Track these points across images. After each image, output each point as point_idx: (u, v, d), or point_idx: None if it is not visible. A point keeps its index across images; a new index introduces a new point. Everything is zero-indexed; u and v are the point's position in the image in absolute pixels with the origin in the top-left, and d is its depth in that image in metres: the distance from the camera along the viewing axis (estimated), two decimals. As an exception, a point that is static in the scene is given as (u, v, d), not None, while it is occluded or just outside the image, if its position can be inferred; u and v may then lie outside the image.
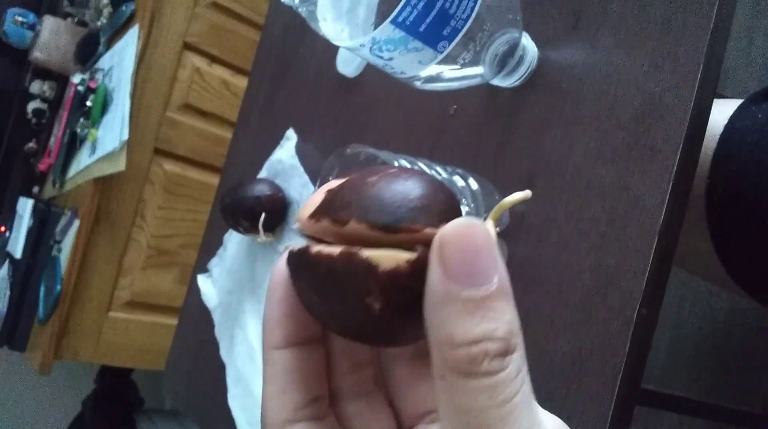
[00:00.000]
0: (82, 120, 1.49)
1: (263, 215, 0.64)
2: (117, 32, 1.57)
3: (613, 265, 0.41)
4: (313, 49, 0.76)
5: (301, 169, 0.71)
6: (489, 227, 0.19)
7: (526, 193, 0.22)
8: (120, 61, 1.48)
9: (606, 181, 0.43)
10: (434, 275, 0.18)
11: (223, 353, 0.76)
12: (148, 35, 1.46)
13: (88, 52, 1.60)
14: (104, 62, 1.56)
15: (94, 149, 1.45)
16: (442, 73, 0.43)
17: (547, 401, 0.43)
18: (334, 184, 0.21)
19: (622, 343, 0.40)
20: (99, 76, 1.54)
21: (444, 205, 0.20)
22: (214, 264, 0.82)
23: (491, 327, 0.18)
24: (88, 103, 1.47)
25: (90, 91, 1.49)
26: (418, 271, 0.19)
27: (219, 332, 0.78)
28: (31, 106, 1.70)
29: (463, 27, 0.39)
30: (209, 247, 0.86)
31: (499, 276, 0.18)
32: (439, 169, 0.46)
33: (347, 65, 0.68)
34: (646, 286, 0.40)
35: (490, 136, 0.52)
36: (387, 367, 0.25)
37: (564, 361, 0.43)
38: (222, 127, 1.59)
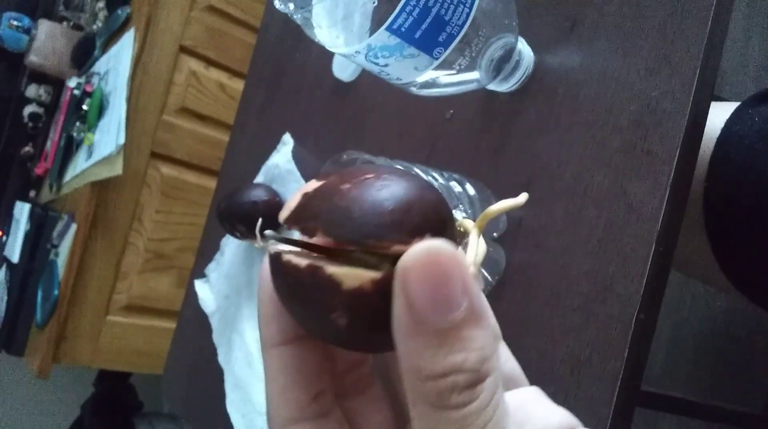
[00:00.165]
0: (78, 124, 1.49)
1: (260, 220, 0.64)
2: (113, 36, 1.56)
3: (611, 270, 0.41)
4: (309, 54, 0.76)
5: (298, 173, 0.71)
6: (454, 250, 0.18)
7: (517, 201, 0.21)
8: (116, 64, 1.47)
9: (603, 186, 0.43)
10: (398, 306, 0.18)
11: (221, 359, 0.75)
12: (144, 39, 1.45)
13: (84, 55, 1.59)
14: (100, 66, 1.56)
15: (90, 153, 1.45)
16: (438, 78, 0.43)
17: (545, 407, 0.43)
18: (311, 186, 0.20)
19: (621, 348, 0.40)
20: (95, 79, 1.53)
21: (419, 219, 0.19)
22: (212, 269, 0.82)
23: (459, 360, 0.17)
24: (85, 107, 1.47)
25: (86, 95, 1.49)
26: (383, 290, 0.18)
27: (217, 338, 0.77)
28: (28, 110, 1.70)
29: (458, 33, 0.39)
30: (206, 251, 0.86)
31: (468, 300, 0.18)
32: (435, 174, 0.46)
33: (343, 70, 0.68)
34: (644, 292, 0.40)
35: (487, 141, 0.52)
36: (383, 360, 0.25)
37: (563, 366, 0.43)
38: (219, 131, 1.59)
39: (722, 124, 0.54)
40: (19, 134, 1.72)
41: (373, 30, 0.38)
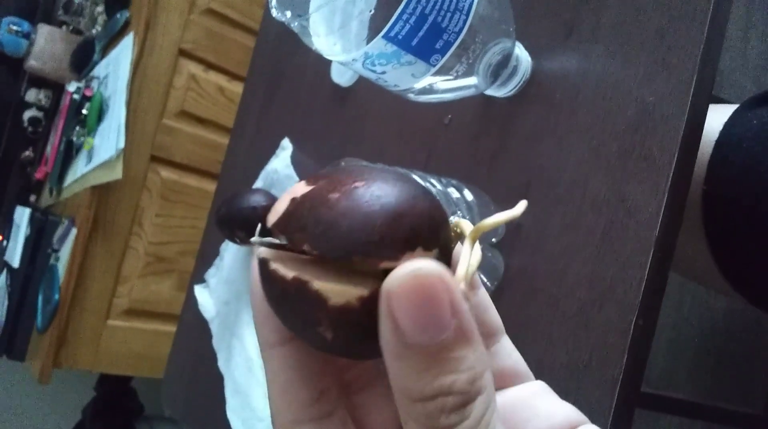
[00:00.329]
0: (78, 128, 1.49)
1: (259, 226, 0.64)
2: (112, 40, 1.57)
3: (610, 276, 0.41)
4: (308, 59, 0.76)
5: (297, 178, 0.71)
6: (440, 271, 0.17)
7: (513, 213, 0.20)
8: (115, 68, 1.47)
9: (601, 192, 0.43)
10: (384, 329, 0.17)
11: (221, 364, 0.75)
12: (143, 43, 1.46)
13: (83, 60, 1.60)
14: (100, 70, 1.56)
15: (90, 157, 1.45)
16: (435, 84, 0.43)
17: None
18: (299, 190, 0.19)
19: (620, 354, 0.40)
20: (94, 84, 1.54)
21: (408, 233, 0.18)
22: (211, 274, 0.82)
23: (448, 382, 0.17)
24: (84, 112, 1.47)
25: (86, 99, 1.49)
26: (370, 308, 0.18)
27: (217, 343, 0.77)
28: (27, 114, 1.70)
29: (455, 40, 0.39)
30: (206, 256, 0.86)
31: (457, 320, 0.17)
32: (433, 180, 0.46)
33: (342, 75, 0.68)
34: (642, 297, 0.40)
35: (485, 147, 0.52)
36: None
37: (562, 371, 0.43)
38: (218, 134, 1.59)
39: (721, 127, 0.54)
40: (19, 139, 1.72)
41: (370, 38, 0.38)
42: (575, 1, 0.48)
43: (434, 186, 0.46)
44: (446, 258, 0.20)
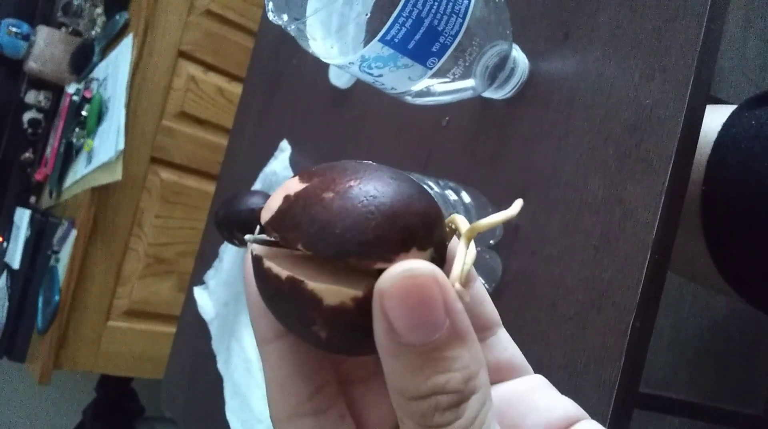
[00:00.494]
0: (77, 130, 1.49)
1: (258, 228, 0.64)
2: (111, 42, 1.57)
3: (607, 278, 0.41)
4: (306, 60, 0.76)
5: (296, 180, 0.71)
6: (432, 270, 0.17)
7: (509, 213, 0.20)
8: (115, 70, 1.47)
9: (599, 194, 0.43)
10: (378, 329, 0.17)
11: (221, 366, 0.75)
12: (143, 44, 1.46)
13: (82, 61, 1.60)
14: (99, 72, 1.56)
15: (90, 159, 1.45)
16: (432, 87, 0.43)
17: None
18: (293, 188, 0.19)
19: (618, 356, 0.40)
20: (94, 85, 1.54)
21: (403, 234, 0.18)
22: (211, 276, 0.82)
23: (442, 381, 0.17)
24: (84, 113, 1.47)
25: (85, 100, 1.49)
26: (364, 308, 0.18)
27: (216, 345, 0.77)
28: (27, 116, 1.70)
29: (452, 43, 0.39)
30: (205, 258, 0.86)
31: (450, 319, 0.17)
32: (431, 183, 0.46)
33: (340, 77, 0.68)
34: (640, 299, 0.40)
35: (483, 148, 0.52)
36: None
37: (560, 374, 0.43)
38: (218, 135, 1.59)
39: (719, 128, 0.54)
40: (19, 140, 1.72)
41: (367, 41, 0.38)
42: (572, 3, 0.48)
43: (432, 188, 0.46)
44: (441, 255, 0.20)
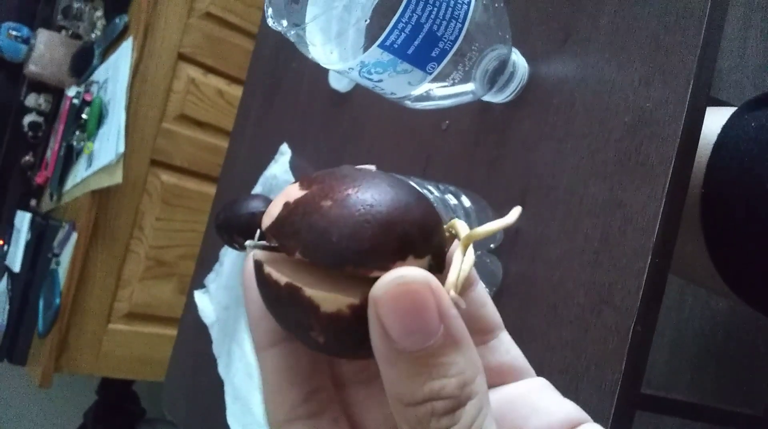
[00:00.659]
0: (77, 133, 1.49)
1: (258, 232, 0.64)
2: (111, 45, 1.57)
3: (608, 282, 0.41)
4: (306, 64, 0.76)
5: (296, 184, 0.71)
6: (426, 277, 0.17)
7: (506, 220, 0.21)
8: (115, 73, 1.47)
9: (599, 198, 0.43)
10: (374, 335, 0.18)
11: (221, 370, 0.75)
12: (143, 47, 1.46)
13: (82, 64, 1.60)
14: (99, 75, 1.56)
15: (90, 162, 1.45)
16: (432, 91, 0.43)
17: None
18: (293, 194, 0.20)
19: (619, 360, 0.40)
20: (94, 88, 1.54)
21: (399, 242, 0.18)
22: (211, 279, 0.82)
23: (437, 387, 0.17)
24: (84, 116, 1.47)
25: (85, 103, 1.49)
26: (360, 315, 0.18)
27: (217, 348, 0.77)
28: (27, 119, 1.70)
29: (451, 48, 0.39)
30: (206, 261, 0.86)
31: (445, 325, 0.17)
32: (431, 187, 0.46)
33: (339, 81, 0.68)
34: (640, 303, 0.40)
35: (483, 152, 0.52)
36: None
37: (560, 377, 0.43)
38: (218, 137, 1.59)
39: (719, 130, 0.54)
40: (19, 143, 1.72)
41: (366, 46, 0.38)
42: (571, 6, 0.48)
43: (431, 193, 0.46)
44: (440, 261, 0.20)
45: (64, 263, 1.46)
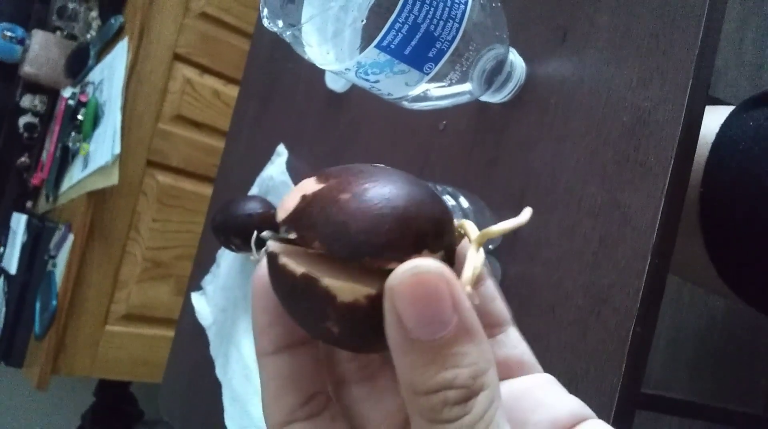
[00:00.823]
0: (73, 134, 1.48)
1: (255, 233, 0.64)
2: (106, 45, 1.56)
3: (607, 283, 0.41)
4: (302, 64, 0.75)
5: (292, 186, 0.71)
6: (441, 267, 0.18)
7: (520, 220, 0.21)
8: (110, 74, 1.47)
9: (597, 198, 0.43)
10: (389, 325, 0.18)
11: (219, 372, 0.75)
12: (138, 47, 1.45)
13: (78, 65, 1.59)
14: (94, 75, 1.55)
15: (86, 163, 1.45)
16: (429, 91, 0.43)
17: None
18: (310, 187, 0.20)
19: (618, 362, 0.40)
20: (89, 89, 1.53)
21: (416, 236, 0.19)
22: (208, 281, 0.82)
23: (450, 376, 0.18)
24: (80, 117, 1.47)
25: (81, 104, 1.48)
26: (377, 306, 0.18)
27: (214, 351, 0.77)
28: (23, 120, 1.69)
29: (448, 48, 0.39)
30: (203, 263, 0.86)
31: (459, 316, 0.18)
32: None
33: (336, 81, 0.68)
34: (640, 305, 0.39)
35: (480, 153, 0.52)
36: None
37: (560, 379, 0.42)
38: (215, 138, 1.59)
39: (717, 129, 0.54)
40: (15, 145, 1.71)
41: (363, 47, 0.38)
42: (569, 6, 0.47)
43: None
44: (450, 259, 0.21)
45: (60, 265, 1.46)
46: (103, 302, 1.49)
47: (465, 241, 0.22)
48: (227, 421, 0.71)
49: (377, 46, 0.37)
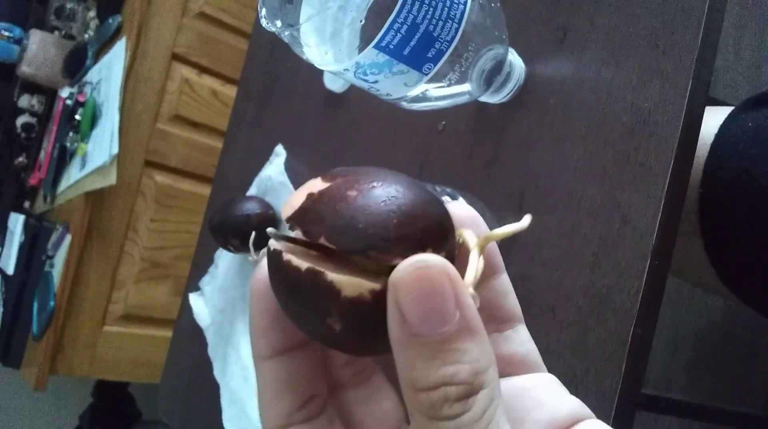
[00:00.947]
0: (71, 134, 1.48)
1: (253, 234, 0.64)
2: (104, 45, 1.56)
3: (607, 284, 0.41)
4: (301, 64, 0.75)
5: (291, 186, 0.70)
6: (444, 263, 0.18)
7: (521, 225, 0.21)
8: (108, 74, 1.47)
9: (597, 199, 0.43)
10: (392, 319, 0.18)
11: (217, 373, 0.75)
12: (136, 47, 1.45)
13: (76, 65, 1.59)
14: (92, 75, 1.55)
15: (84, 163, 1.44)
16: (428, 92, 0.42)
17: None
18: (316, 187, 0.20)
19: (618, 363, 0.40)
20: (87, 89, 1.53)
21: (422, 234, 0.19)
22: (206, 282, 0.81)
23: (451, 372, 0.18)
24: (77, 117, 1.46)
25: (78, 104, 1.48)
26: (381, 301, 0.18)
27: (212, 352, 0.77)
28: (20, 120, 1.68)
29: (447, 48, 0.39)
30: (201, 263, 0.86)
31: (461, 313, 0.18)
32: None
33: (334, 81, 0.68)
34: (640, 306, 0.39)
35: (480, 153, 0.52)
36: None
37: (560, 380, 0.43)
38: (213, 137, 1.58)
39: (716, 130, 0.54)
40: (13, 145, 1.71)
41: (361, 47, 0.37)
42: (568, 6, 0.47)
43: (429, 194, 0.45)
44: (451, 261, 0.21)
45: (58, 265, 1.45)
46: (101, 302, 1.49)
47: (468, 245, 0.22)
48: (225, 422, 0.71)
49: (376, 47, 0.37)
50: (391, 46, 0.37)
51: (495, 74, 0.46)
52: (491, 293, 0.23)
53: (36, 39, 1.61)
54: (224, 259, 0.79)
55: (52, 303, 1.42)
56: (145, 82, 1.47)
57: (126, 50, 1.43)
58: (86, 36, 1.62)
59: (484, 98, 0.49)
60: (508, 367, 0.23)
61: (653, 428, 1.15)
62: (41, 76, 1.63)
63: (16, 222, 1.59)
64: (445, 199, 0.47)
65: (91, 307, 1.47)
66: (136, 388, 1.84)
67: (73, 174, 1.48)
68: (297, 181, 0.71)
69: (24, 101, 1.69)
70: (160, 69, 1.49)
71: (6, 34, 1.64)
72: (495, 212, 0.49)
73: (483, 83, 0.45)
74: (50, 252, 1.49)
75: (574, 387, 0.42)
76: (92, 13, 1.61)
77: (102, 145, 1.39)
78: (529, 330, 0.44)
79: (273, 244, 0.20)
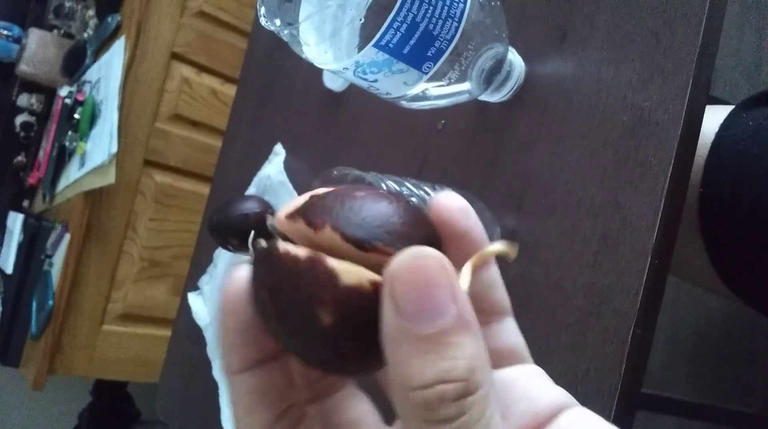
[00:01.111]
0: (70, 133, 1.48)
1: (252, 233, 0.63)
2: (104, 44, 1.56)
3: (607, 284, 0.41)
4: (300, 63, 0.75)
5: (290, 185, 0.70)
6: (441, 255, 0.18)
7: (509, 249, 0.21)
8: (107, 73, 1.46)
9: (597, 199, 0.43)
10: (387, 311, 0.18)
11: (216, 373, 0.75)
12: (135, 46, 1.45)
13: (75, 64, 1.58)
14: (91, 74, 1.55)
15: (83, 162, 1.44)
16: (428, 91, 0.42)
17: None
18: (320, 190, 0.20)
19: (618, 363, 0.40)
20: (86, 88, 1.53)
21: (425, 235, 0.20)
22: (205, 281, 0.81)
23: (447, 367, 0.17)
24: (76, 116, 1.46)
25: (77, 103, 1.48)
26: (378, 295, 0.18)
27: (211, 351, 0.77)
28: (19, 119, 1.68)
29: (447, 47, 0.39)
30: (200, 262, 0.85)
31: (457, 307, 0.17)
32: (427, 188, 0.46)
33: (334, 80, 0.68)
34: (640, 306, 0.39)
35: (479, 153, 0.52)
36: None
37: (559, 381, 0.42)
38: (212, 137, 1.58)
39: (716, 129, 0.54)
40: (12, 144, 1.71)
41: (361, 46, 0.37)
42: (569, 5, 0.47)
43: (428, 194, 0.45)
44: None
45: (57, 264, 1.45)
46: (100, 302, 1.48)
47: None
48: (224, 423, 0.70)
49: (375, 45, 0.37)
50: (391, 45, 0.37)
51: (495, 73, 0.45)
52: (479, 284, 0.22)
53: (35, 38, 1.61)
54: (223, 259, 0.79)
55: (50, 302, 1.41)
56: (144, 81, 1.47)
57: (125, 49, 1.43)
58: (85, 35, 1.62)
59: (483, 97, 0.49)
60: (496, 359, 0.23)
61: (653, 427, 1.15)
62: (40, 75, 1.63)
63: (15, 221, 1.59)
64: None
65: (90, 307, 1.47)
66: (134, 388, 1.84)
67: (72, 173, 1.48)
68: (296, 180, 0.71)
69: (23, 100, 1.69)
70: (159, 68, 1.49)
71: (5, 32, 1.64)
72: (495, 212, 0.49)
73: (483, 82, 0.45)
74: (49, 251, 1.49)
75: (574, 387, 0.42)
76: (91, 12, 1.61)
77: (101, 144, 1.39)
78: (529, 330, 0.44)
79: (262, 243, 0.20)
